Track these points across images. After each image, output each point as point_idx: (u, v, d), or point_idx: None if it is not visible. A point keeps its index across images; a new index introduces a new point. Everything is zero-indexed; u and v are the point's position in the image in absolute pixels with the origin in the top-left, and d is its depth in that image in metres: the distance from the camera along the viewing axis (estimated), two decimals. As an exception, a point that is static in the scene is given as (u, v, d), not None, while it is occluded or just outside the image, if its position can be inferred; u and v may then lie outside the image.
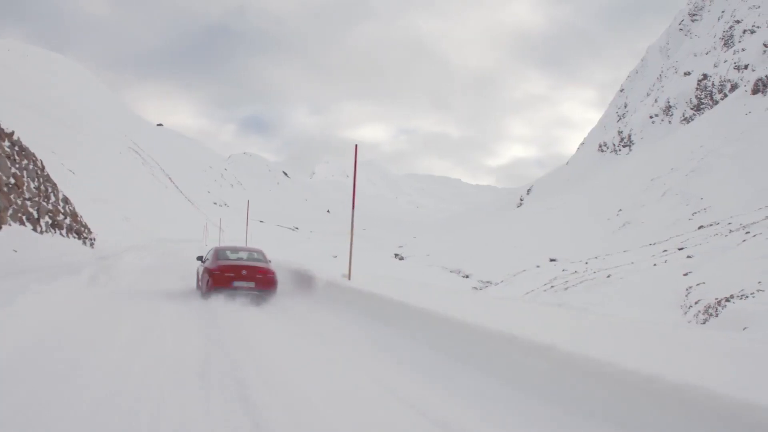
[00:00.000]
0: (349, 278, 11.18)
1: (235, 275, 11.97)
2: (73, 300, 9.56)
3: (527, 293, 26.91)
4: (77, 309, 9.00)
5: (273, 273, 12.45)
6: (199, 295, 12.35)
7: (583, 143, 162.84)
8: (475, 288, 35.27)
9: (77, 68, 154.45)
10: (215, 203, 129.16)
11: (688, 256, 24.72)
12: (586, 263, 34.94)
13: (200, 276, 13.04)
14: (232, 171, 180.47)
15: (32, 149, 20.71)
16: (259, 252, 14.22)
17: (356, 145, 10.86)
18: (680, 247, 28.12)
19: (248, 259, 13.26)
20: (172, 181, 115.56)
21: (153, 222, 59.85)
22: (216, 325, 8.53)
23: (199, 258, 14.21)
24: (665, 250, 29.35)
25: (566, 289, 24.94)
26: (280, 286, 12.48)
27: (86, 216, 27.25)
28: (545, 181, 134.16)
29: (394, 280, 14.22)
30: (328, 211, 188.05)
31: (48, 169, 26.22)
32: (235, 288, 11.81)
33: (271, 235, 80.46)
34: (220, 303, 10.98)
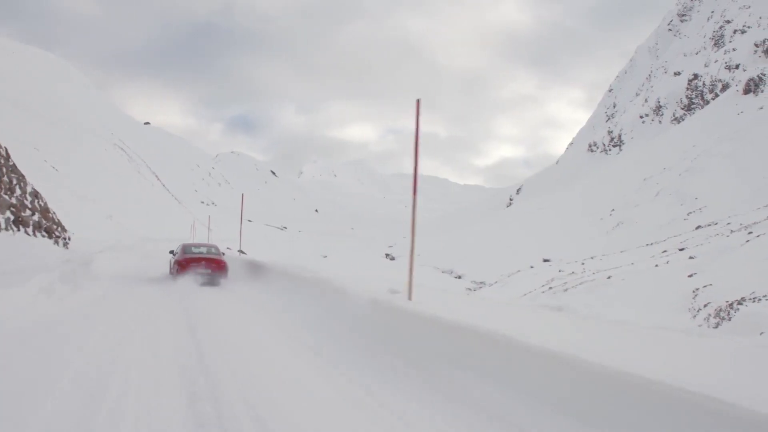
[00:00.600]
0: (410, 297, 7.26)
1: (196, 264, 16.01)
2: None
3: (524, 295, 25.88)
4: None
5: (224, 263, 16.70)
6: (171, 278, 16.36)
7: (571, 143, 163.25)
8: (469, 289, 34.22)
9: (64, 65, 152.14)
10: (203, 202, 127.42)
11: (691, 257, 23.84)
12: (583, 264, 34.01)
13: (172, 265, 17.30)
14: (220, 170, 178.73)
15: (14, 145, 19.31)
16: (215, 247, 18.54)
17: (418, 101, 8.44)
18: (681, 247, 27.25)
19: (207, 253, 17.29)
20: (158, 179, 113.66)
21: (138, 220, 58.31)
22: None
23: (171, 252, 18.50)
24: (665, 251, 28.47)
25: (566, 290, 23.94)
26: (294, 315, 11.54)
27: (67, 213, 25.60)
28: (535, 180, 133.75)
29: (469, 298, 11.45)
30: (316, 210, 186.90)
31: (29, 166, 24.78)
32: (196, 273, 15.68)
33: (259, 234, 79.11)
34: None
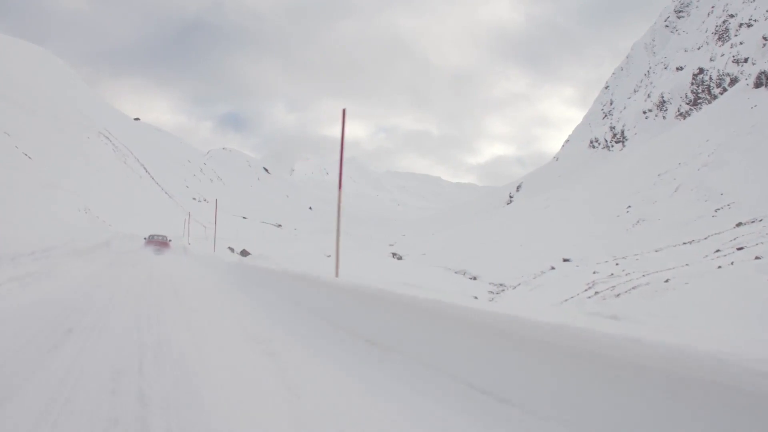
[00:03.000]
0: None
1: (154, 243, 35.51)
2: None
3: (565, 300, 22.85)
4: None
5: (168, 243, 36.24)
6: (142, 247, 35.56)
7: (568, 140, 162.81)
8: (491, 292, 31.23)
9: (52, 60, 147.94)
10: (194, 198, 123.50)
11: (757, 257, 20.94)
12: (617, 264, 31.05)
13: (144, 242, 36.39)
14: (212, 166, 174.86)
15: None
16: (165, 236, 38.26)
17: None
18: (739, 246, 24.44)
19: (160, 239, 36.63)
20: (147, 171, 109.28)
21: (122, 215, 54.73)
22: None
23: (144, 238, 37.97)
24: (718, 250, 25.59)
25: (617, 296, 20.92)
26: None
27: (24, 204, 22.16)
28: (534, 177, 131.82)
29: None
30: (310, 208, 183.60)
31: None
32: (153, 246, 34.79)
33: (257, 232, 75.59)
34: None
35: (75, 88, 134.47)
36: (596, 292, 22.37)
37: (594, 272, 29.30)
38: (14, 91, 74.50)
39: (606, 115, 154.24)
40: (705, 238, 31.60)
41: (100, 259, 21.51)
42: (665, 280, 20.80)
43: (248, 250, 36.14)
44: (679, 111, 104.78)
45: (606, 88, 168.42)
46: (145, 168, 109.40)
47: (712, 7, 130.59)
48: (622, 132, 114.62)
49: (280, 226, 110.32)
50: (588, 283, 25.30)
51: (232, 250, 34.06)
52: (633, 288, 21.10)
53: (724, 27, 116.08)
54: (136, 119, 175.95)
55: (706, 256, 24.93)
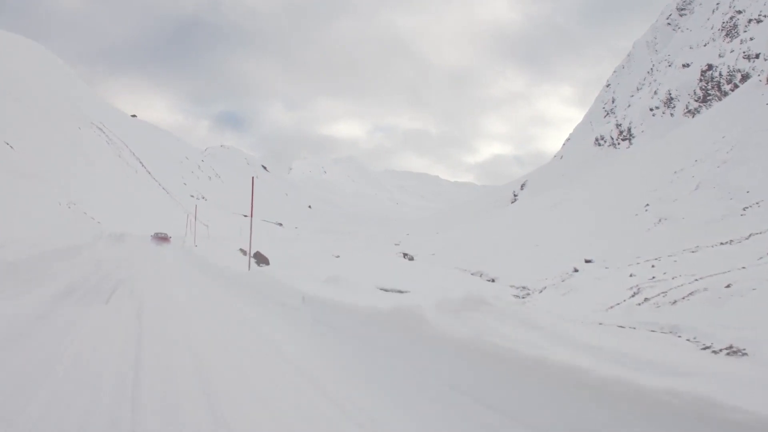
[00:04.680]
0: None
1: (158, 238, 47.11)
2: None
3: (610, 307, 20.72)
4: None
5: (168, 238, 48.22)
6: (149, 240, 46.45)
7: (569, 139, 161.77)
8: (517, 296, 29.10)
9: (49, 56, 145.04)
10: (192, 196, 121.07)
11: (825, 260, 18.89)
12: (653, 266, 28.90)
13: (151, 237, 47.73)
14: (210, 163, 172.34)
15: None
16: (166, 233, 49.52)
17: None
18: (799, 247, 22.43)
19: (163, 235, 48.02)
20: (143, 165, 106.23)
21: (114, 211, 52.34)
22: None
23: (151, 235, 48.31)
24: (772, 252, 23.57)
25: (673, 303, 18.76)
26: None
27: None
28: (538, 175, 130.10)
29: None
30: (309, 206, 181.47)
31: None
32: (156, 240, 46.65)
33: (258, 230, 73.05)
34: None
35: (75, 87, 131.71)
36: (646, 299, 20.19)
37: (631, 275, 27.15)
38: (10, 87, 71.87)
39: (608, 114, 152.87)
40: (746, 238, 29.55)
41: (51, 283, 13.01)
42: (726, 285, 18.76)
43: (261, 252, 33.22)
44: (687, 108, 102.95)
45: (607, 86, 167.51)
46: (141, 162, 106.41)
47: (717, 3, 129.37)
48: (629, 129, 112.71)
49: (281, 224, 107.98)
50: (632, 288, 23.14)
51: (243, 252, 31.15)
52: (690, 294, 19.01)
53: (731, 23, 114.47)
54: (133, 116, 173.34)
55: (761, 257, 22.92)
